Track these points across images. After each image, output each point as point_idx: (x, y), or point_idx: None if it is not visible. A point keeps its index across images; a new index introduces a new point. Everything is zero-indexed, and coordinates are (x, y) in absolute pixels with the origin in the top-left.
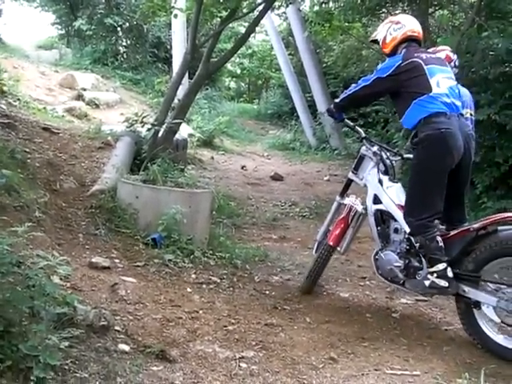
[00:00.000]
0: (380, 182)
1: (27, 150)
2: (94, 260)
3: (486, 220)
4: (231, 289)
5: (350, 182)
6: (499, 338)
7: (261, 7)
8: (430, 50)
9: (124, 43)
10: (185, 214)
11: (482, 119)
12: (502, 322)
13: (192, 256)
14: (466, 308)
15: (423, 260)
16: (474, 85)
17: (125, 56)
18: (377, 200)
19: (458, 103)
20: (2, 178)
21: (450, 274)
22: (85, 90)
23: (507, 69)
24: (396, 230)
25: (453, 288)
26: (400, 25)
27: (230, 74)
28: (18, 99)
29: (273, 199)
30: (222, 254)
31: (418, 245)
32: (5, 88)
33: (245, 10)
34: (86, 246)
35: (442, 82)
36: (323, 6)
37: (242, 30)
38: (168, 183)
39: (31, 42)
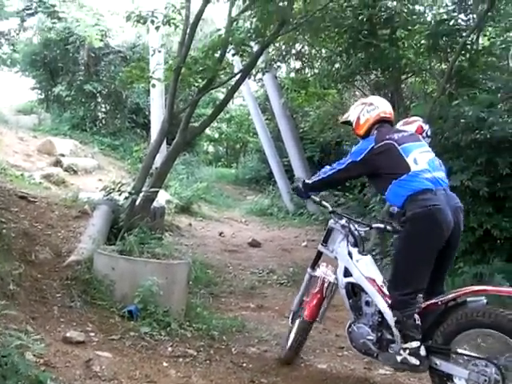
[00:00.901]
0: (349, 254)
1: (3, 219)
2: (68, 335)
3: (456, 293)
4: (208, 362)
5: (320, 254)
6: None
7: (238, 76)
8: (401, 122)
9: (103, 109)
10: (161, 286)
11: (456, 185)
12: None
13: (169, 328)
14: (439, 381)
15: (396, 333)
16: (447, 151)
17: (103, 122)
18: (347, 273)
19: (442, 174)
20: None
21: (422, 352)
22: (63, 155)
23: (478, 136)
24: (367, 303)
25: (424, 366)
26: (373, 106)
27: (208, 139)
28: None
29: (250, 266)
30: (199, 325)
31: (394, 319)
32: None
33: (223, 77)
34: (61, 319)
35: (420, 157)
36: (299, 73)
37: (220, 95)
38: (145, 254)
39: (11, 105)
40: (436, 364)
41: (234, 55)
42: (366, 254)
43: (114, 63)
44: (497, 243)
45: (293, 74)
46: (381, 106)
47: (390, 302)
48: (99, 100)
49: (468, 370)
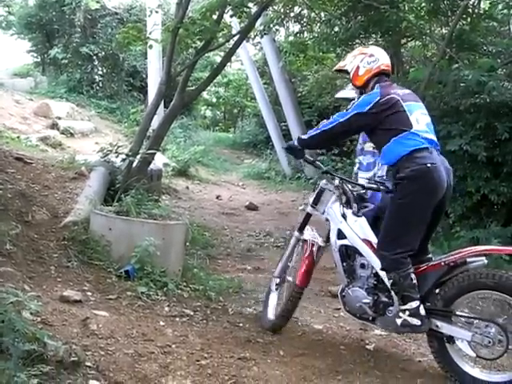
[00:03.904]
0: (343, 216)
1: None
2: (65, 293)
3: (459, 254)
4: (205, 322)
5: (308, 216)
6: (475, 372)
7: (236, 38)
8: None
9: (100, 72)
10: (158, 246)
11: (454, 149)
12: (477, 356)
13: (165, 288)
14: (438, 344)
15: (393, 296)
16: (446, 115)
17: (100, 85)
18: (341, 235)
19: (435, 139)
20: None
21: (422, 311)
22: (60, 118)
23: (477, 100)
24: (363, 266)
25: (425, 326)
26: (373, 58)
27: (206, 103)
28: None
29: (247, 229)
30: (196, 285)
31: (390, 281)
32: None
33: (220, 40)
34: (58, 279)
35: (421, 118)
36: (298, 36)
37: (218, 59)
38: (142, 215)
39: (6, 69)
40: (437, 326)
41: (232, 16)
42: (360, 216)
43: (111, 25)
44: (494, 208)
45: (291, 38)
46: (381, 58)
47: (381, 264)
48: (96, 63)
49: (471, 332)
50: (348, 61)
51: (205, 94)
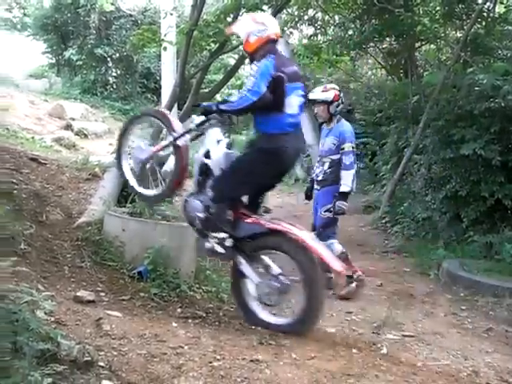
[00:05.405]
0: (218, 142)
1: (14, 180)
2: (79, 294)
3: (278, 225)
4: (217, 323)
5: (188, 131)
6: (259, 311)
7: None
8: (319, 89)
9: (114, 73)
10: (171, 248)
11: (468, 154)
12: (259, 298)
13: (178, 290)
14: (236, 278)
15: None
16: (460, 120)
17: (114, 86)
18: (208, 155)
19: (299, 119)
20: None
21: (228, 243)
22: (74, 119)
23: (492, 104)
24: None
25: (228, 255)
26: (264, 27)
27: None
28: (7, 129)
29: None
30: (209, 287)
31: (212, 211)
32: None
33: (234, 42)
34: (72, 279)
35: (295, 100)
36: (312, 39)
37: (232, 61)
38: (155, 216)
39: (21, 70)
40: (240, 262)
41: None
42: (230, 149)
43: (125, 27)
44: (508, 213)
45: (305, 41)
46: (271, 27)
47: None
48: (110, 64)
49: (261, 279)
50: (240, 26)
51: (218, 97)
